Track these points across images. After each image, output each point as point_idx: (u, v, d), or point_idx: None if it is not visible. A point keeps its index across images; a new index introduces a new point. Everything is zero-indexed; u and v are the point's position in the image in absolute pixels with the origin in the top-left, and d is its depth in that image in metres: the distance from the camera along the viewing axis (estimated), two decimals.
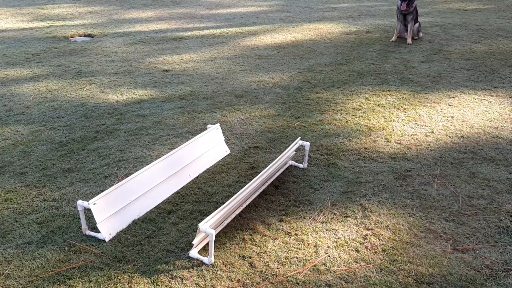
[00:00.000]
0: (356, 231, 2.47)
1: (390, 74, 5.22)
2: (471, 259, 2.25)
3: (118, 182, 2.94)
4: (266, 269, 2.19)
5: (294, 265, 2.21)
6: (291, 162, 3.16)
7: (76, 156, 3.33)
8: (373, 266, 2.21)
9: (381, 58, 5.90)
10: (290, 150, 2.95)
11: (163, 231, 2.47)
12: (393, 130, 3.75)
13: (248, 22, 8.44)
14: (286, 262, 2.23)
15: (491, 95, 4.51)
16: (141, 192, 2.62)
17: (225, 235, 2.43)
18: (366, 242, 2.38)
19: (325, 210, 2.66)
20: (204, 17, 8.98)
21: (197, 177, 3.03)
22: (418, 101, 4.37)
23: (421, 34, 6.90)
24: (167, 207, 2.69)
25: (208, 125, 3.32)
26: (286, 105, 4.31)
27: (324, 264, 2.22)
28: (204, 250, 2.32)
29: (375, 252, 2.30)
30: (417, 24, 6.73)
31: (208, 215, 2.54)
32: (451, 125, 3.84)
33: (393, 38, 6.77)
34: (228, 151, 3.37)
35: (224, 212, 2.29)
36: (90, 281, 2.10)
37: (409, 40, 6.62)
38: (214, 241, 2.36)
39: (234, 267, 2.20)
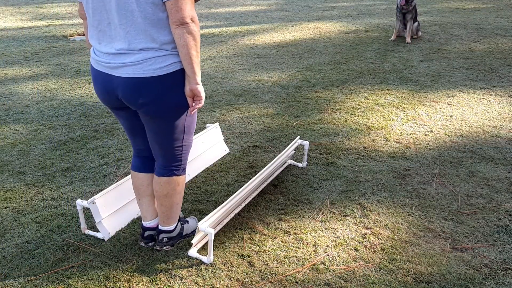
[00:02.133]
0: (355, 230, 2.47)
1: (389, 73, 5.23)
2: (470, 258, 2.25)
3: (117, 181, 2.94)
4: (265, 268, 2.19)
5: (293, 264, 2.22)
6: (290, 161, 3.17)
7: (75, 155, 3.33)
8: (372, 265, 2.21)
9: (380, 57, 5.90)
10: (289, 149, 2.95)
11: None
12: (392, 129, 3.75)
13: (247, 21, 8.44)
14: (285, 261, 2.23)
15: (490, 94, 4.51)
16: None
17: (224, 234, 2.43)
18: (365, 241, 2.38)
19: (324, 209, 2.66)
20: (203, 16, 8.98)
21: (196, 176, 3.03)
22: (417, 100, 4.38)
23: (420, 33, 6.91)
24: None
25: (207, 124, 3.31)
26: (285, 104, 4.31)
27: (323, 263, 2.22)
28: (203, 249, 2.32)
29: (374, 251, 2.31)
30: (416, 23, 6.74)
31: (207, 214, 2.54)
32: (450, 124, 3.84)
33: (392, 37, 6.77)
34: (227, 150, 3.37)
35: (223, 211, 2.29)
36: (89, 280, 2.10)
37: (408, 39, 6.62)
38: (213, 240, 2.36)
39: (233, 266, 2.20)
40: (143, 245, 2.32)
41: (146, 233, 2.30)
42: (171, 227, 2.27)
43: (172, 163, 2.12)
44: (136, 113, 2.06)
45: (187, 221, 2.40)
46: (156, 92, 1.86)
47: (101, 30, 1.84)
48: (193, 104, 1.94)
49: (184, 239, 2.37)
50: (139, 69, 1.81)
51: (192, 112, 1.98)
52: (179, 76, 1.88)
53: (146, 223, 2.30)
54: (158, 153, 2.11)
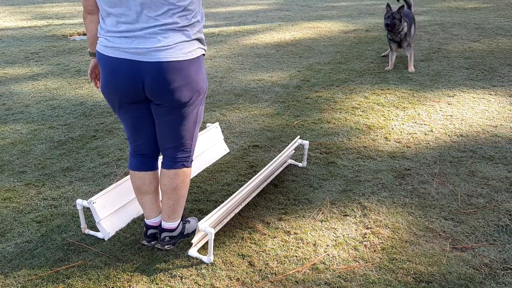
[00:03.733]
0: (355, 230, 2.47)
1: (389, 73, 5.22)
2: (470, 258, 2.25)
3: (117, 181, 2.94)
4: (265, 267, 2.19)
5: (293, 264, 2.22)
6: (290, 161, 3.16)
7: (75, 155, 3.33)
8: (372, 264, 2.21)
9: (380, 57, 5.90)
10: (289, 149, 2.95)
11: None
12: (392, 129, 3.75)
13: (247, 20, 8.44)
14: (285, 261, 2.23)
15: (490, 94, 4.51)
16: None
17: (224, 234, 2.43)
18: (365, 241, 2.38)
19: (324, 208, 2.66)
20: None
21: (196, 176, 3.03)
22: (417, 100, 4.38)
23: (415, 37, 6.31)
24: None
25: (207, 124, 3.31)
26: (285, 104, 4.31)
27: (323, 263, 2.22)
28: (203, 249, 2.32)
29: (374, 251, 2.30)
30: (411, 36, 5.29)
31: (207, 214, 2.54)
32: (450, 123, 3.84)
33: (389, 67, 5.35)
34: (227, 150, 3.37)
35: (223, 211, 2.29)
36: (90, 280, 2.10)
37: (411, 69, 5.25)
38: (213, 240, 2.36)
39: (233, 266, 2.20)
40: (145, 243, 2.32)
41: (149, 232, 2.30)
42: (175, 224, 2.27)
43: (182, 155, 2.14)
44: (148, 107, 2.04)
45: (189, 221, 2.40)
46: (188, 75, 1.90)
47: (123, 19, 1.81)
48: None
49: (185, 238, 2.37)
50: (171, 52, 1.84)
51: None
52: (202, 61, 1.97)
53: (149, 221, 2.30)
54: (168, 146, 2.12)
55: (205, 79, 2.02)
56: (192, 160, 2.21)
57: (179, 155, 2.14)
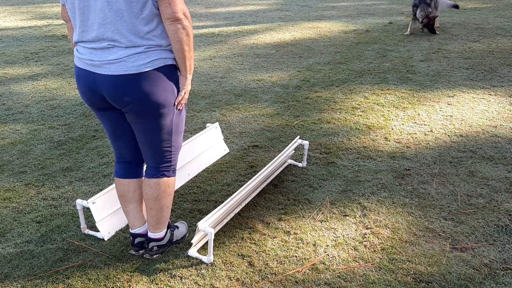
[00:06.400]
0: (355, 230, 2.47)
1: (389, 73, 5.23)
2: (469, 258, 2.25)
3: None
4: (265, 268, 2.19)
5: (293, 264, 2.22)
6: (290, 161, 3.17)
7: (75, 155, 3.33)
8: (372, 264, 2.21)
9: (380, 57, 5.90)
10: (289, 149, 2.95)
11: None
12: (392, 129, 3.75)
13: (247, 20, 8.44)
14: (285, 261, 2.23)
15: (490, 94, 4.51)
16: None
17: (224, 234, 2.43)
18: (365, 241, 2.38)
19: (324, 209, 2.66)
20: (203, 15, 8.98)
21: (196, 176, 3.03)
22: (417, 100, 4.38)
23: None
24: None
25: (207, 124, 3.31)
26: (285, 104, 4.31)
27: (323, 263, 2.22)
28: (203, 249, 2.32)
29: (374, 251, 2.31)
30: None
31: (207, 214, 2.54)
32: (450, 124, 3.84)
33: (408, 31, 7.17)
34: (227, 150, 3.37)
35: (223, 211, 2.29)
36: (89, 280, 2.10)
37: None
38: (213, 240, 2.36)
39: (233, 266, 2.20)
40: (133, 253, 2.25)
41: (137, 240, 2.23)
42: (161, 234, 2.21)
43: (162, 164, 2.09)
44: (122, 113, 2.02)
45: (177, 227, 2.34)
46: (141, 89, 1.84)
47: (84, 30, 1.82)
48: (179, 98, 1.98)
49: (174, 245, 2.33)
50: (122, 66, 1.80)
51: (180, 108, 1.99)
52: (164, 73, 1.87)
53: (134, 231, 2.23)
54: (147, 154, 2.08)
55: (170, 89, 1.92)
56: (175, 169, 2.15)
57: (159, 164, 2.09)
